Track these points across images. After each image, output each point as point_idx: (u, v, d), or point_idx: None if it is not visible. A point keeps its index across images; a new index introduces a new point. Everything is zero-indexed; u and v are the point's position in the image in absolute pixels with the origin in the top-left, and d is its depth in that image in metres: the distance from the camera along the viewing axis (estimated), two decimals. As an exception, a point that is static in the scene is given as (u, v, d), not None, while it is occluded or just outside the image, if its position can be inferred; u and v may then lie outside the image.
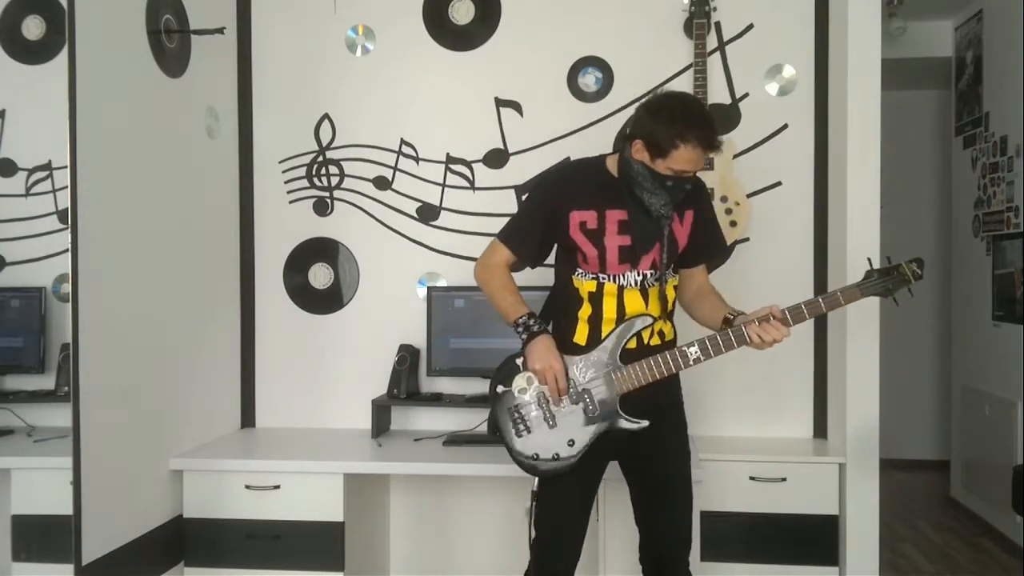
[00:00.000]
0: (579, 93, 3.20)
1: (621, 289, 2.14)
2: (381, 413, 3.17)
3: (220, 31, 2.98)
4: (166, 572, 2.76)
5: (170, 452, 2.81)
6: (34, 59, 2.74)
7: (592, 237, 2.12)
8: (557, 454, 2.11)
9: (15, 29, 2.74)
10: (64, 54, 2.31)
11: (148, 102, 2.70)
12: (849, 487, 2.85)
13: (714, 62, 3.15)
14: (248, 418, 3.36)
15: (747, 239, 3.13)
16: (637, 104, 2.16)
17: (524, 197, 2.23)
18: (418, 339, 3.21)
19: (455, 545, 3.29)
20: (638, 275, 2.14)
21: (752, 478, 2.85)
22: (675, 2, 3.16)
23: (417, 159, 3.30)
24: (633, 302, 2.14)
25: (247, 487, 2.80)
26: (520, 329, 2.13)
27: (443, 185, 3.28)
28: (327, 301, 3.35)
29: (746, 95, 3.16)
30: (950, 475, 4.87)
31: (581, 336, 2.16)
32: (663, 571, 2.24)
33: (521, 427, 2.14)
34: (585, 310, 2.16)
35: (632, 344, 2.13)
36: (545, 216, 2.17)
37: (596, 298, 2.15)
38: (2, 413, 2.75)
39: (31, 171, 2.72)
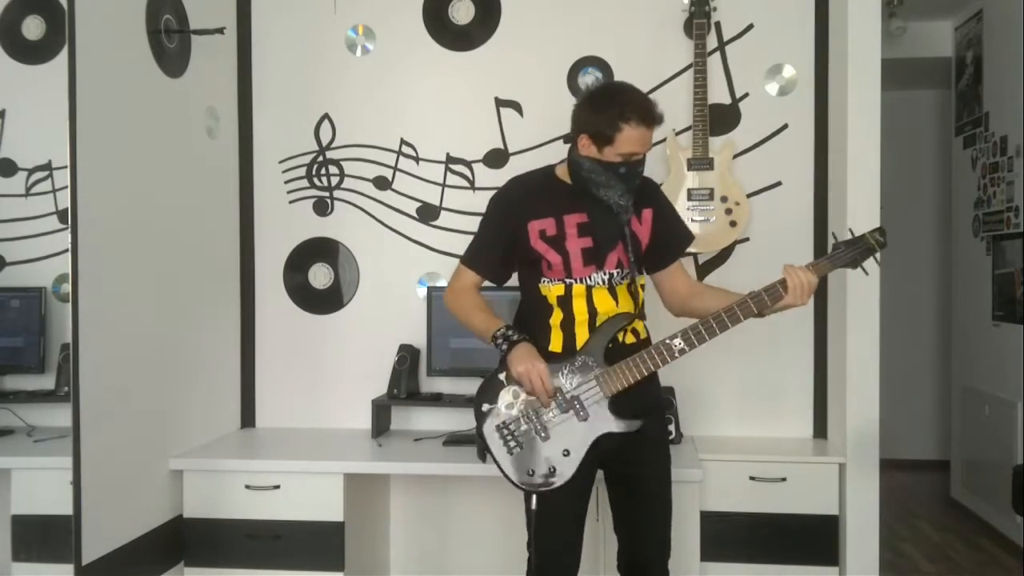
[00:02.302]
0: (579, 93, 3.19)
1: (589, 289, 2.13)
2: (381, 413, 3.17)
3: (220, 31, 2.98)
4: (166, 572, 2.76)
5: (170, 452, 2.82)
6: (34, 59, 2.74)
7: (554, 243, 2.12)
8: (553, 467, 2.06)
9: (15, 29, 2.74)
10: (64, 54, 2.31)
11: (148, 102, 2.70)
12: (849, 487, 2.85)
13: (714, 62, 3.15)
14: (248, 418, 3.36)
15: (747, 239, 3.13)
16: (574, 105, 2.17)
17: (483, 217, 2.26)
18: (418, 339, 3.21)
19: (455, 545, 3.29)
20: (604, 274, 2.13)
21: (752, 478, 2.85)
22: (675, 2, 3.16)
23: (417, 159, 3.30)
24: (603, 301, 2.14)
25: (247, 487, 2.79)
26: (500, 340, 2.09)
27: (443, 185, 3.28)
28: (327, 301, 3.35)
29: (746, 95, 3.16)
30: (950, 475, 4.88)
31: (556, 343, 2.14)
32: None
33: (512, 444, 2.08)
34: (556, 316, 2.14)
35: (609, 344, 2.12)
36: (505, 232, 2.16)
37: (565, 301, 2.14)
38: (2, 413, 2.75)
39: (31, 171, 2.72)
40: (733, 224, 3.08)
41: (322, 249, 3.35)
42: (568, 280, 2.13)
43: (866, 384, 2.87)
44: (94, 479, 2.36)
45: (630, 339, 2.17)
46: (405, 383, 3.12)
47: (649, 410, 2.17)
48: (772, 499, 2.83)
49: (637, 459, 2.16)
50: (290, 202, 3.36)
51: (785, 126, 3.15)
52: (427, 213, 3.29)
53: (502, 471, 2.10)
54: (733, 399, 3.17)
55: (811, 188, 3.14)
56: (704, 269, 3.15)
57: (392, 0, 3.30)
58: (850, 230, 2.15)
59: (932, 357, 5.71)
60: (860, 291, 2.87)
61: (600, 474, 2.22)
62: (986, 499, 4.32)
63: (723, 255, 3.14)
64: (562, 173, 2.20)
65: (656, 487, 2.19)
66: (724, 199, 3.08)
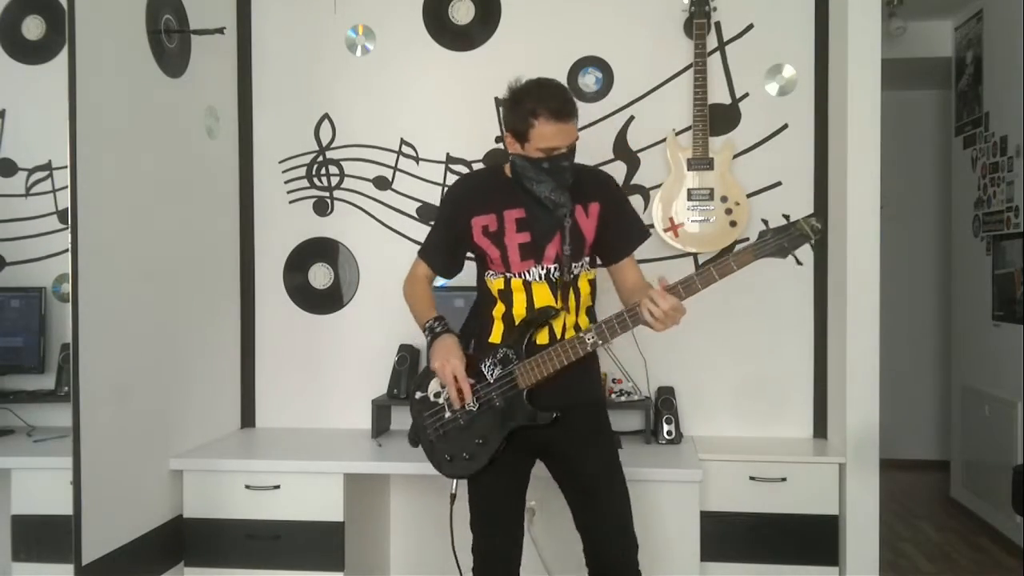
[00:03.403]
0: (579, 93, 3.20)
1: (528, 284, 2.17)
2: (381, 413, 3.17)
3: (220, 31, 2.98)
4: (166, 572, 2.76)
5: (170, 452, 2.82)
6: (34, 59, 2.74)
7: (493, 239, 2.18)
8: (468, 455, 2.15)
9: (15, 29, 2.74)
10: (64, 54, 2.31)
11: (148, 102, 2.70)
12: (849, 487, 2.85)
13: (714, 62, 3.15)
14: (248, 418, 3.36)
15: (747, 239, 3.13)
16: None
17: (436, 214, 2.39)
18: (418, 339, 3.19)
19: (455, 545, 3.29)
20: (542, 269, 2.17)
21: (752, 478, 2.85)
22: (675, 2, 3.15)
23: (417, 159, 3.30)
24: (542, 296, 2.17)
25: (247, 487, 2.79)
26: (426, 332, 2.22)
27: (443, 185, 3.27)
28: (327, 301, 3.35)
29: (746, 95, 3.16)
30: (950, 475, 4.88)
31: (496, 335, 2.20)
32: (595, 563, 2.19)
33: (436, 429, 2.20)
34: (498, 308, 2.21)
35: (544, 339, 2.15)
36: (450, 228, 2.26)
37: (506, 295, 2.19)
38: (2, 413, 2.75)
39: (31, 171, 2.73)
40: (733, 224, 3.07)
41: (322, 249, 3.35)
42: (508, 274, 2.18)
43: (866, 384, 2.87)
44: (94, 479, 2.36)
45: (570, 335, 2.16)
46: (405, 383, 3.12)
47: (580, 408, 2.18)
48: (772, 499, 2.83)
49: (572, 454, 2.19)
50: (290, 202, 3.36)
51: (785, 126, 3.15)
52: (427, 213, 3.28)
53: (427, 456, 2.23)
54: (733, 399, 3.16)
55: (811, 188, 3.13)
56: (704, 269, 3.15)
57: (392, 0, 3.30)
58: (784, 216, 2.06)
59: (932, 357, 5.71)
60: (860, 291, 2.87)
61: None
62: (986, 499, 4.32)
63: (723, 255, 3.14)
64: (508, 169, 2.24)
65: (601, 480, 2.18)
66: (724, 199, 3.08)
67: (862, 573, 2.83)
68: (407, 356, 3.15)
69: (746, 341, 3.15)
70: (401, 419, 3.29)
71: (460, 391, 2.13)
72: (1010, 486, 3.55)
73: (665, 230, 3.11)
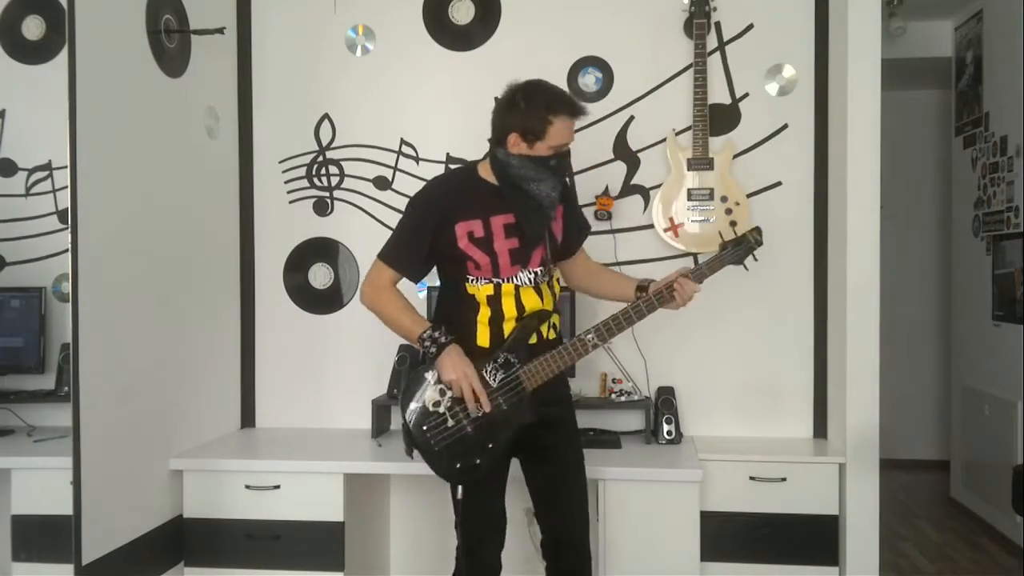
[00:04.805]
0: (579, 93, 3.20)
1: (517, 288, 2.20)
2: (381, 413, 3.17)
3: (220, 31, 2.98)
4: (166, 572, 2.76)
5: (170, 452, 2.82)
6: (34, 59, 2.74)
7: (481, 245, 2.16)
8: (477, 461, 2.15)
9: (15, 29, 2.74)
10: (64, 54, 2.31)
11: (148, 102, 2.71)
12: (849, 487, 2.85)
13: (714, 62, 3.15)
14: (248, 418, 3.36)
15: (747, 239, 3.12)
16: (494, 107, 2.25)
17: (404, 215, 2.28)
18: (418, 339, 3.21)
19: (455, 545, 3.29)
20: (530, 273, 2.21)
21: (752, 478, 2.85)
22: (675, 2, 3.15)
23: (417, 159, 3.30)
24: (530, 299, 2.21)
25: (247, 487, 2.80)
26: (428, 343, 2.14)
27: (443, 185, 3.28)
28: (327, 301, 3.35)
29: (746, 95, 3.16)
30: (950, 475, 4.87)
31: (483, 338, 2.20)
32: (562, 554, 2.27)
33: (440, 439, 2.16)
34: (484, 313, 2.20)
35: (533, 340, 2.20)
36: (429, 232, 2.18)
37: (495, 300, 2.20)
38: (2, 413, 2.75)
39: (31, 171, 2.73)
40: (733, 224, 3.07)
41: (322, 249, 3.35)
42: (496, 280, 2.19)
43: (866, 384, 2.87)
44: (94, 479, 2.36)
45: (551, 335, 2.26)
46: (405, 383, 3.11)
47: (561, 401, 2.29)
48: (772, 499, 2.83)
49: (551, 443, 2.26)
50: (290, 202, 3.36)
51: (785, 126, 3.15)
52: (427, 213, 3.28)
53: (429, 466, 2.19)
54: (733, 399, 3.16)
55: (811, 188, 3.14)
56: (704, 269, 3.15)
57: (392, 0, 3.30)
58: (733, 230, 2.29)
59: (932, 357, 5.70)
60: (860, 291, 2.87)
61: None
62: (986, 499, 4.32)
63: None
64: (485, 172, 2.25)
65: (574, 466, 2.29)
66: (724, 199, 3.08)
67: (862, 573, 2.83)
68: (407, 356, 3.15)
69: (746, 341, 3.15)
70: (400, 419, 3.28)
71: (474, 401, 2.13)
72: (1010, 486, 3.56)
73: (665, 230, 3.11)
